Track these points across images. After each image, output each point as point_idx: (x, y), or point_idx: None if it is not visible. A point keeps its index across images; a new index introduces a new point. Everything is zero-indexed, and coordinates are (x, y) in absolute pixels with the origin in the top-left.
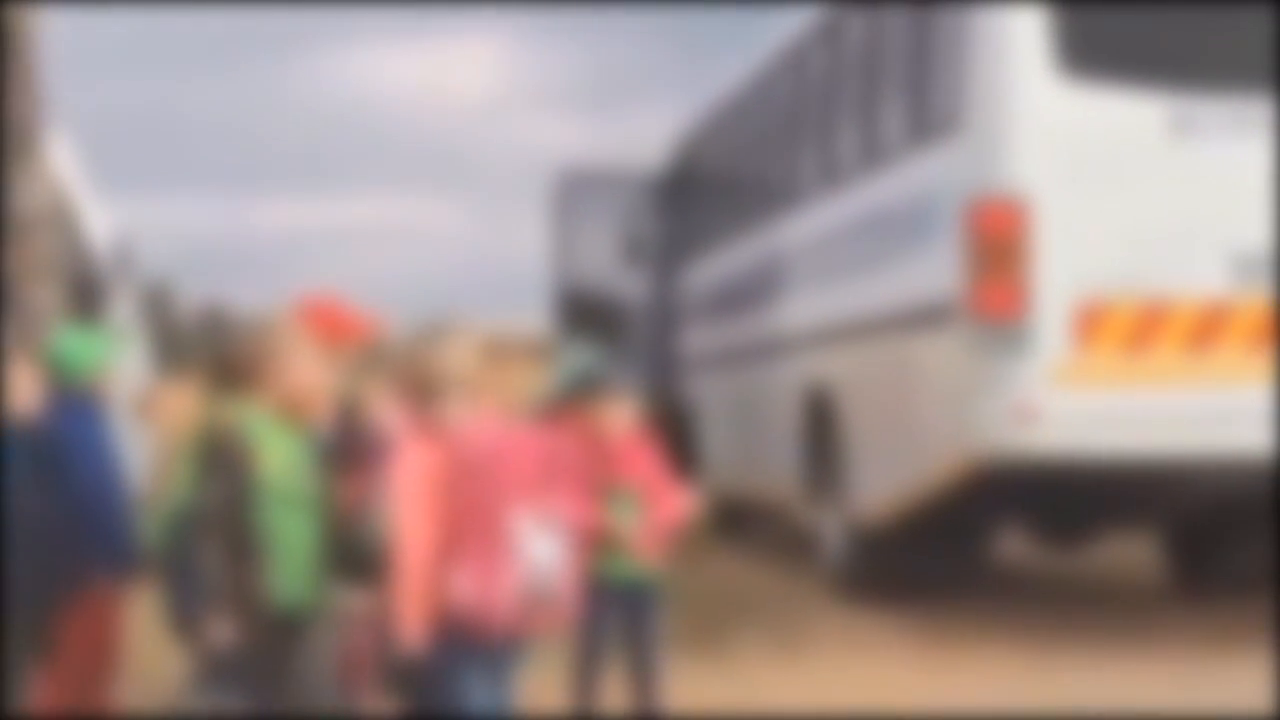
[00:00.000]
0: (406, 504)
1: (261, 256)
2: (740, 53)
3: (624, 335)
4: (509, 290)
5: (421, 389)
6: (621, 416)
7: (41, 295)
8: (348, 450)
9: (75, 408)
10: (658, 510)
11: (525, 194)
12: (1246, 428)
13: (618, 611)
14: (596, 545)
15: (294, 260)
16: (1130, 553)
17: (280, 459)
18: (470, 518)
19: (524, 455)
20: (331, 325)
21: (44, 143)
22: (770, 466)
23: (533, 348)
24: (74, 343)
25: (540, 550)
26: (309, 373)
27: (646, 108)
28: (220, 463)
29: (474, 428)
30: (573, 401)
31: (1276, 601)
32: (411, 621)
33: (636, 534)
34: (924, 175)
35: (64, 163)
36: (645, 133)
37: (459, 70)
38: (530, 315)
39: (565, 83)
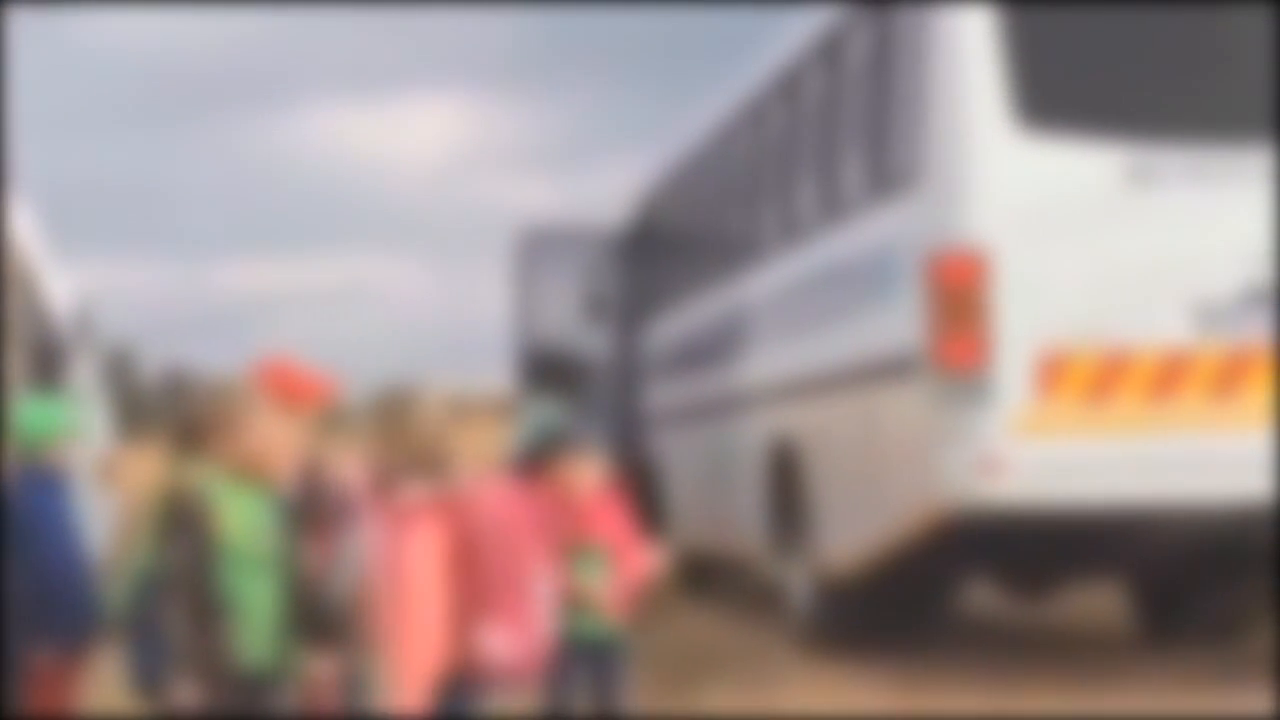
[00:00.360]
0: (420, 582)
1: (224, 319)
2: (700, 108)
3: (588, 392)
4: (471, 350)
5: (427, 462)
6: (589, 474)
7: (2, 361)
8: (310, 511)
9: (37, 478)
10: (625, 568)
11: (486, 253)
12: (1209, 475)
13: (585, 669)
14: (564, 603)
15: (256, 322)
16: (1097, 601)
17: (241, 521)
18: (496, 579)
19: (529, 515)
20: (288, 387)
21: (4, 210)
22: (736, 521)
23: (495, 407)
24: (35, 413)
25: (545, 604)
26: (268, 435)
27: (607, 165)
28: (181, 526)
29: (483, 492)
30: (540, 459)
31: (1275, 642)
32: (414, 695)
33: (604, 592)
34: (884, 229)
35: (24, 229)
36: (606, 190)
37: (419, 130)
38: (493, 375)
39: (526, 142)
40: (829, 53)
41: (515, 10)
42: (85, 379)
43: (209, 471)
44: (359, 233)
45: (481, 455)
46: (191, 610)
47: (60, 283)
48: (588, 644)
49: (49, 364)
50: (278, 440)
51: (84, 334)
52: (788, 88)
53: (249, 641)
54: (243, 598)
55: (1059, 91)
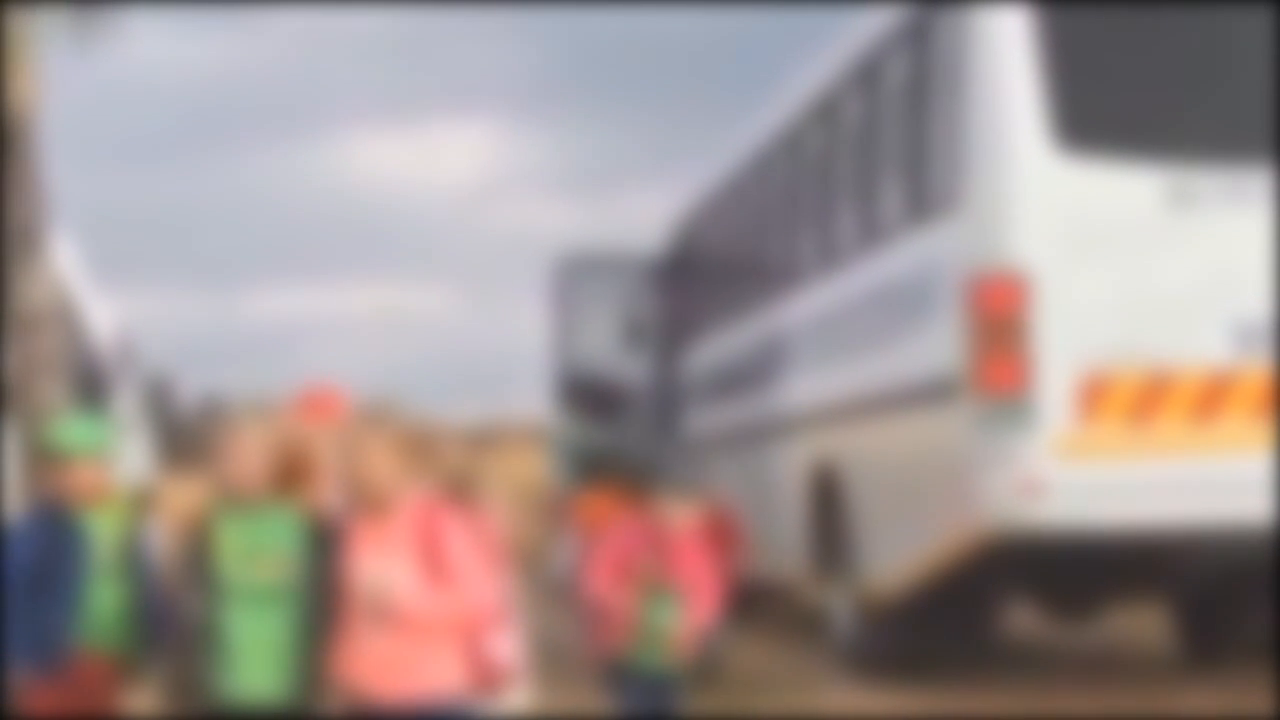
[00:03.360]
0: None
1: (260, 346)
2: (737, 133)
3: (627, 418)
4: (504, 375)
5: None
6: (685, 513)
7: (47, 391)
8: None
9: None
10: (696, 611)
11: (518, 278)
12: (1252, 496)
13: (644, 697)
14: (636, 638)
15: (291, 349)
16: (1139, 623)
17: (237, 552)
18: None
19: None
20: (325, 413)
21: (47, 242)
22: (779, 546)
23: (528, 432)
24: (60, 428)
25: None
26: (242, 463)
27: (636, 190)
28: (188, 559)
29: None
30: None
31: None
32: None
33: (675, 633)
34: (924, 253)
35: (67, 261)
36: (636, 214)
37: (449, 157)
38: (526, 400)
39: (555, 167)
40: (867, 77)
41: (541, 35)
42: (128, 408)
43: (214, 500)
44: (391, 259)
45: (514, 479)
46: (189, 644)
47: (102, 314)
48: (651, 675)
49: (93, 394)
50: (251, 469)
51: (126, 364)
52: (826, 112)
53: (244, 675)
54: (233, 630)
55: (1098, 114)
